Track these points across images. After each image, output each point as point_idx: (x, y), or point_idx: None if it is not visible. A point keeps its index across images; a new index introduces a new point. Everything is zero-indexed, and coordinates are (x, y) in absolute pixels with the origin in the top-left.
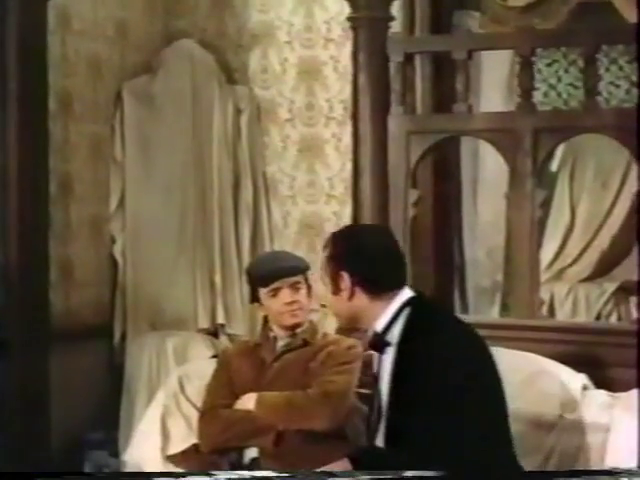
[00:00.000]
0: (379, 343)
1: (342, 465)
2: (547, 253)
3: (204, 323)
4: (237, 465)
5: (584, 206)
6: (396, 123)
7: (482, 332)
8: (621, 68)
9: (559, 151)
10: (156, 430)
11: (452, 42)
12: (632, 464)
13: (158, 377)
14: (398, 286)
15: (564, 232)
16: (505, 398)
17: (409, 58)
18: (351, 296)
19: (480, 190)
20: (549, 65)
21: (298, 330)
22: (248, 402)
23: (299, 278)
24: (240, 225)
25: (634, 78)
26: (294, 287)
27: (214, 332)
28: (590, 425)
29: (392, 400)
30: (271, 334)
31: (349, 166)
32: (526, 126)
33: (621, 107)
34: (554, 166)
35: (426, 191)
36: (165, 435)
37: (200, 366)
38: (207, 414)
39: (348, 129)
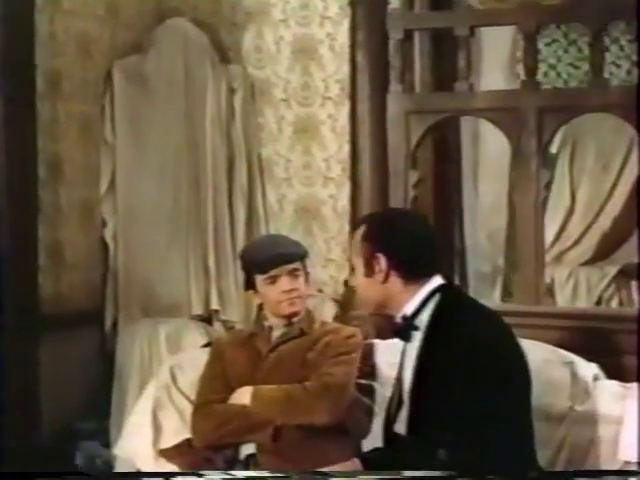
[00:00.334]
0: (407, 328)
1: (351, 465)
2: (547, 236)
3: (198, 309)
4: (232, 461)
5: (584, 188)
6: (395, 102)
7: None
8: (622, 48)
9: (559, 133)
10: (147, 423)
11: (453, 18)
12: None
13: (150, 365)
14: (431, 273)
15: (564, 215)
16: (531, 389)
17: (408, 35)
18: (385, 279)
19: (481, 172)
20: (548, 45)
21: (294, 319)
22: (243, 396)
23: (297, 265)
24: (234, 208)
25: (635, 58)
26: (293, 274)
27: (208, 318)
28: (602, 417)
29: (417, 386)
30: (266, 323)
31: (346, 148)
32: (530, 105)
33: (629, 85)
34: (554, 148)
35: (426, 172)
36: (157, 428)
37: (193, 356)
38: (201, 409)
39: (345, 109)
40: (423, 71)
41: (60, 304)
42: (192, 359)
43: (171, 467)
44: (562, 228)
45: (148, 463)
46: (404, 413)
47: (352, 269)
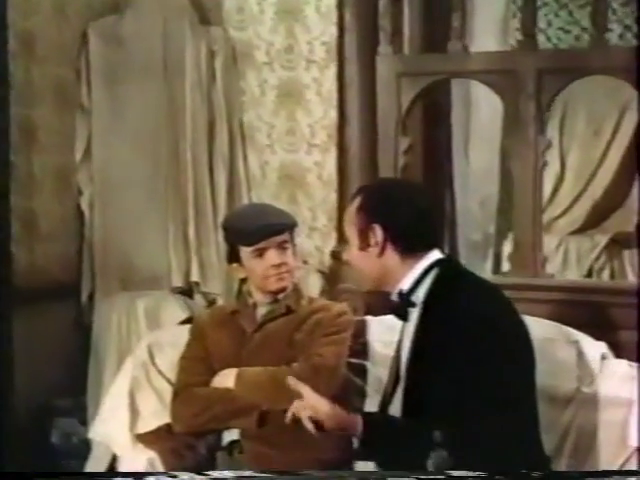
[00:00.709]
0: (404, 305)
1: (354, 419)
2: None
3: (178, 281)
4: (215, 448)
5: (575, 155)
6: (385, 64)
7: None
8: (614, 12)
9: None
10: (124, 405)
11: None
12: None
13: (128, 340)
14: (430, 246)
15: (554, 182)
16: (535, 368)
17: None
18: (381, 252)
19: (472, 137)
20: (539, 8)
21: (281, 295)
22: (227, 379)
23: (286, 236)
24: (215, 175)
25: (627, 22)
26: (281, 247)
27: (188, 291)
28: (610, 399)
29: (414, 365)
30: (250, 300)
31: (332, 113)
32: (529, 67)
33: (631, 46)
34: None
35: (415, 138)
36: (134, 411)
37: (172, 333)
38: (181, 393)
39: (331, 73)
40: (413, 32)
41: (34, 276)
42: (171, 337)
43: (150, 453)
44: (552, 195)
45: (125, 449)
46: (400, 394)
47: (340, 239)
